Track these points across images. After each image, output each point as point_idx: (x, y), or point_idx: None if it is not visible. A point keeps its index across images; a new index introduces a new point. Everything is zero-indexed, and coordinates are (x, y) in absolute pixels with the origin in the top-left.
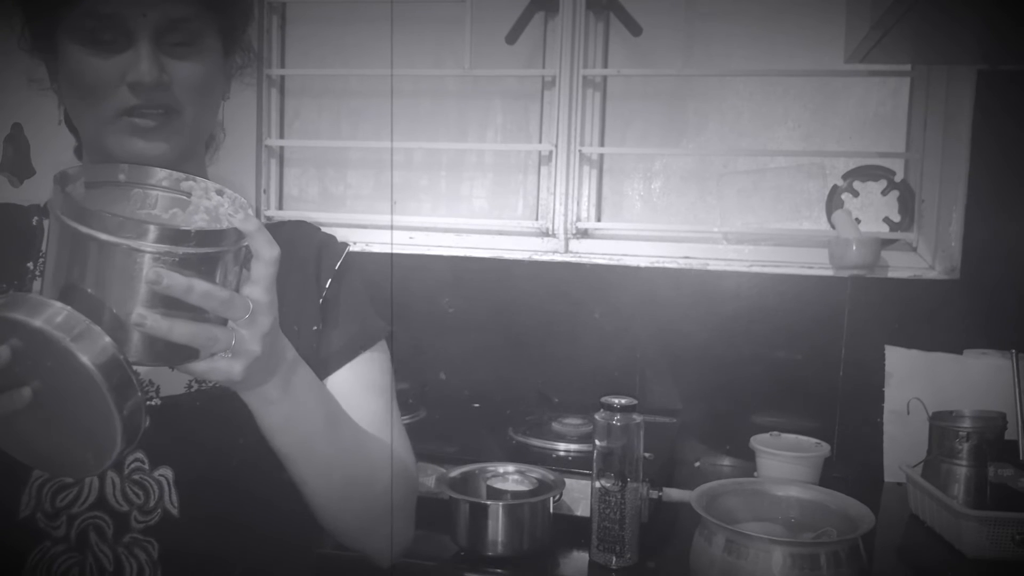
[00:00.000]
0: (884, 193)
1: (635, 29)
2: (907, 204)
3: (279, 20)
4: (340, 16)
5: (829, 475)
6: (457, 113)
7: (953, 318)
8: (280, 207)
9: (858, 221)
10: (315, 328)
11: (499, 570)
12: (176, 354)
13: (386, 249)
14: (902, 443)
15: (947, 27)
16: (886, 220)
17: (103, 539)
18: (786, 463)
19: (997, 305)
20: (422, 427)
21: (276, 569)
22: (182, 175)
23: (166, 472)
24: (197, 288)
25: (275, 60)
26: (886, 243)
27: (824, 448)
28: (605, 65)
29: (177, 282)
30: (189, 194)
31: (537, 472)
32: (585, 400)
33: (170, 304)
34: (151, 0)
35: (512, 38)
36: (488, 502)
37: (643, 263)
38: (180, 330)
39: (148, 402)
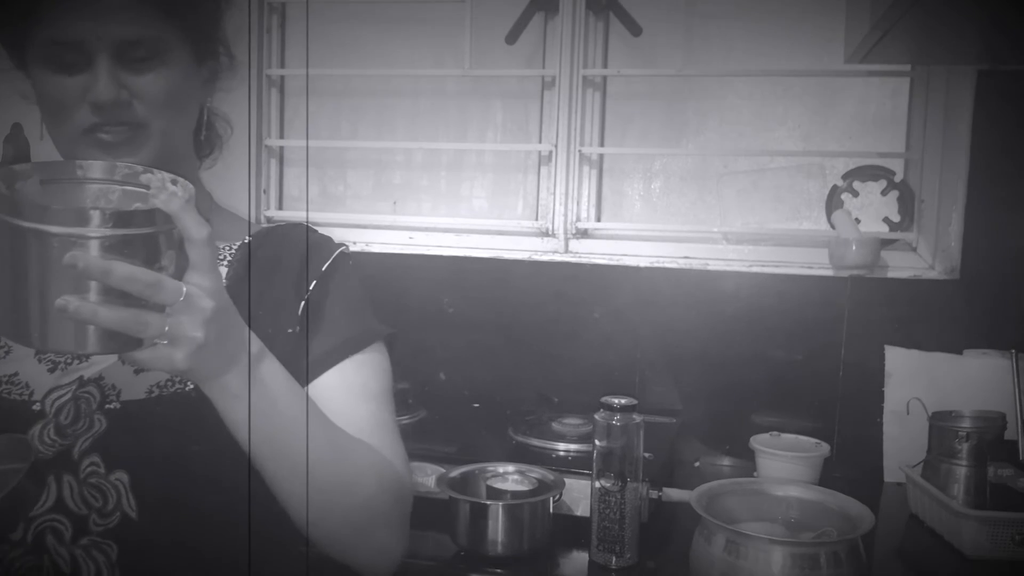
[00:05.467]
0: (884, 193)
1: (635, 29)
2: (907, 204)
3: (279, 20)
4: (340, 16)
5: (829, 475)
6: (457, 113)
7: (953, 318)
8: (280, 207)
9: (858, 221)
10: (290, 331)
11: (499, 570)
12: (115, 342)
13: (386, 249)
14: (902, 443)
15: (947, 27)
16: (886, 220)
17: (60, 541)
18: (786, 463)
19: (997, 305)
20: (422, 427)
21: None
22: (140, 168)
23: (122, 476)
24: (117, 271)
25: (275, 60)
26: (886, 243)
27: (824, 448)
28: (605, 65)
29: (94, 265)
30: (148, 187)
31: (537, 472)
32: (585, 400)
33: (100, 290)
34: (109, 20)
35: (512, 38)
36: (488, 502)
37: (643, 263)
38: (106, 315)
39: (107, 405)
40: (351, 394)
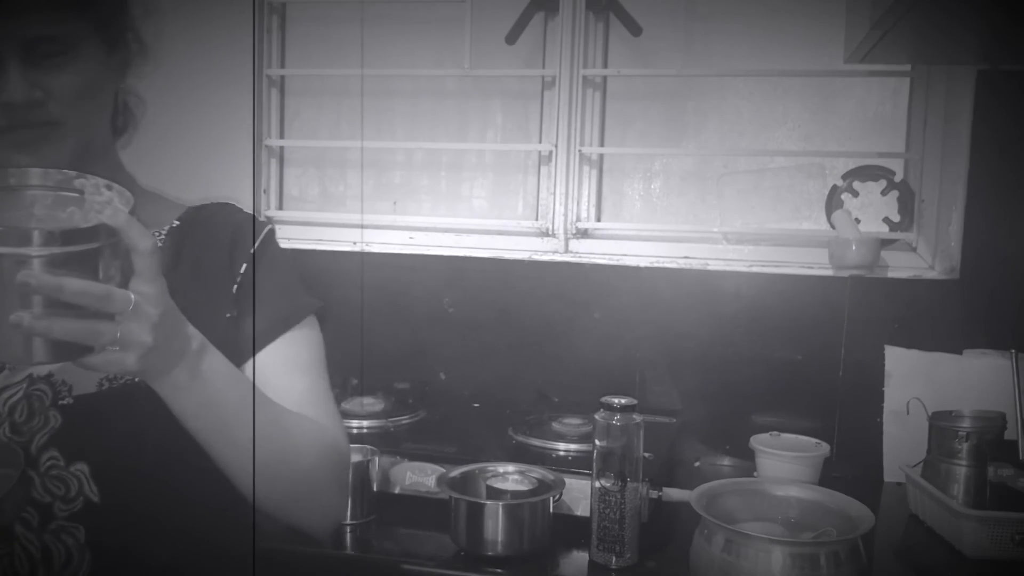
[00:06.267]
0: (884, 193)
1: (635, 29)
2: (907, 204)
3: (279, 20)
4: (340, 16)
5: (829, 475)
6: (457, 113)
7: (953, 318)
8: (280, 207)
9: (858, 221)
10: (228, 315)
11: (499, 570)
12: (69, 351)
13: (386, 249)
14: (902, 443)
15: (947, 27)
16: (886, 220)
17: (29, 529)
18: (786, 463)
19: (997, 305)
20: (422, 427)
21: (202, 553)
22: (73, 173)
23: (82, 467)
24: (69, 286)
25: (275, 60)
26: (886, 243)
27: (824, 448)
28: (605, 65)
29: (47, 282)
30: (82, 192)
31: (537, 472)
32: (585, 400)
33: (52, 304)
34: (15, 19)
35: (512, 38)
36: (488, 502)
37: (643, 263)
38: (59, 328)
39: (60, 401)
40: (287, 369)
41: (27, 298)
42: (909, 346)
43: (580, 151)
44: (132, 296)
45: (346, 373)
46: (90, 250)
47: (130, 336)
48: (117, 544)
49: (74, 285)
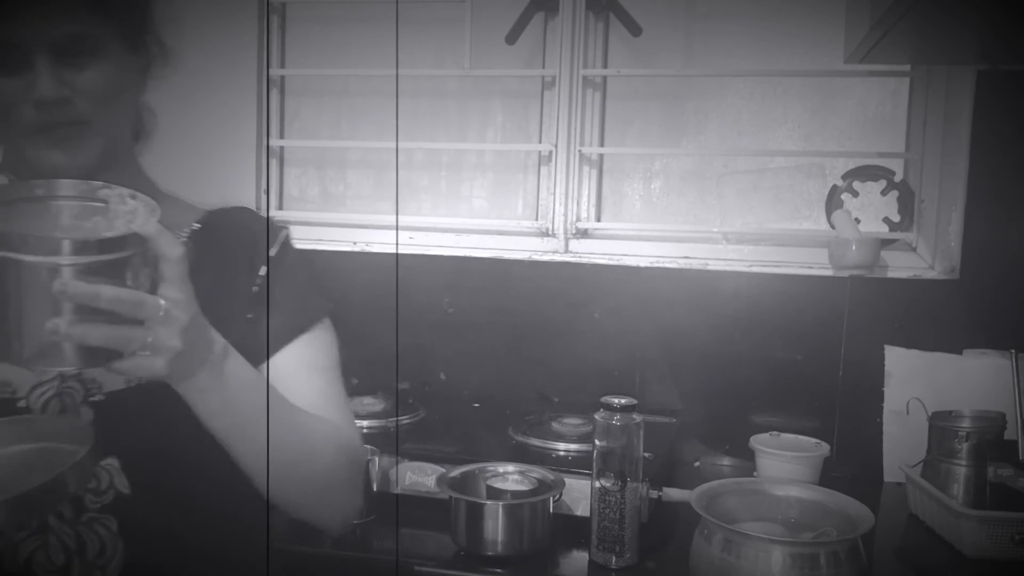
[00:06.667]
0: (884, 193)
1: (635, 29)
2: (907, 204)
3: (279, 20)
4: (340, 16)
5: (829, 475)
6: (457, 113)
7: (953, 318)
8: (280, 207)
9: (858, 221)
10: (249, 316)
11: (499, 570)
12: (100, 356)
13: (387, 249)
14: (902, 443)
15: (947, 27)
16: (886, 220)
17: (63, 520)
18: (786, 463)
19: (997, 305)
20: (422, 427)
21: (228, 546)
22: (98, 184)
23: (112, 461)
24: (104, 294)
25: (275, 60)
26: (886, 243)
27: (824, 448)
28: (605, 65)
29: (83, 290)
30: (106, 201)
31: (537, 472)
32: (585, 400)
33: (85, 311)
34: (44, 19)
35: (512, 38)
36: (488, 502)
37: (643, 263)
38: (93, 334)
39: (91, 398)
40: (303, 370)
41: (60, 305)
42: (909, 346)
43: (580, 151)
44: (162, 302)
45: (346, 373)
46: (124, 258)
47: (160, 341)
48: (147, 534)
49: (109, 293)
